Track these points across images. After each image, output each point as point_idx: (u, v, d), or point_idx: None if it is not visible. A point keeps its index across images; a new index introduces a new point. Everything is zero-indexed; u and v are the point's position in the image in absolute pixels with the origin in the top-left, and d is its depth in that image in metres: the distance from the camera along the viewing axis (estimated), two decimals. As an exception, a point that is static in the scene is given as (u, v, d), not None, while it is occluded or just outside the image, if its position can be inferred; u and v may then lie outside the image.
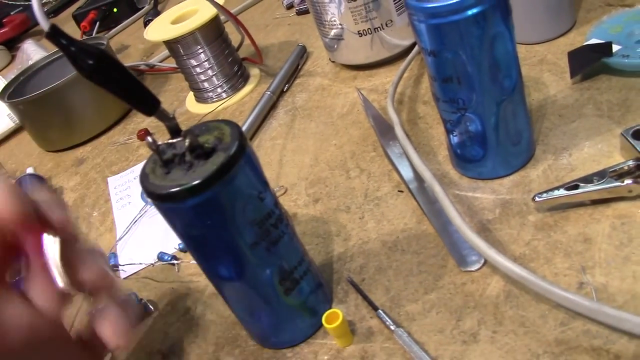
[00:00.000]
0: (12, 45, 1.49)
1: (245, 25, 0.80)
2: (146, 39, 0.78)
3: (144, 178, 0.37)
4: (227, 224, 0.37)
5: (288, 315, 0.44)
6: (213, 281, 0.43)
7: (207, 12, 0.75)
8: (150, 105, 0.35)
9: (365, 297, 0.45)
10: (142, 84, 0.34)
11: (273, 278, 0.41)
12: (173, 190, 0.35)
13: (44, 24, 0.30)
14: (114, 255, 0.62)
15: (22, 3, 1.68)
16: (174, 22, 0.79)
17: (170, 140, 0.36)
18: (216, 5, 0.74)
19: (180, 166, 0.36)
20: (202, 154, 0.36)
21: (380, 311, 0.43)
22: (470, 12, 0.41)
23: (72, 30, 1.30)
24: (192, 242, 0.39)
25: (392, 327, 0.42)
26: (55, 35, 0.32)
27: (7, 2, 1.72)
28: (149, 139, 0.36)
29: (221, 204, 0.36)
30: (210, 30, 0.77)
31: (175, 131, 0.36)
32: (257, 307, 0.43)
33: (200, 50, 0.77)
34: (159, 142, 0.36)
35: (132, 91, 0.34)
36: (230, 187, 0.36)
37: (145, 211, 0.66)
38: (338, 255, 0.50)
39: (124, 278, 0.59)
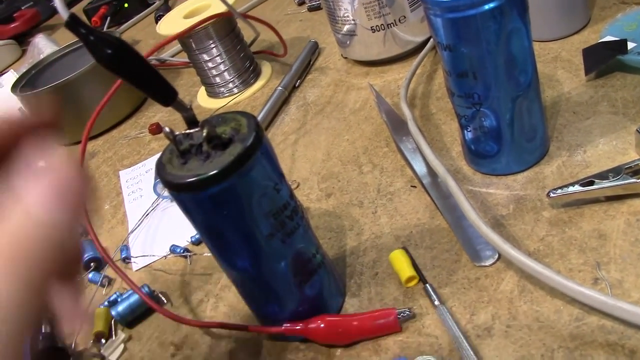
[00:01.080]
0: (22, 39, 1.49)
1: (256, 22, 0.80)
2: (158, 33, 0.79)
3: (160, 168, 0.37)
4: (244, 215, 0.37)
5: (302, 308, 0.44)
6: (228, 272, 0.43)
7: (220, 7, 0.75)
8: (168, 95, 0.35)
9: (416, 267, 0.45)
10: (160, 74, 0.35)
11: (288, 270, 0.41)
12: (190, 180, 0.35)
13: (63, 13, 0.30)
14: (126, 247, 0.62)
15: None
16: (187, 17, 0.79)
17: (188, 131, 0.36)
18: (231, 8, 0.74)
19: (198, 156, 0.36)
20: (219, 145, 0.36)
21: (427, 285, 0.43)
22: (487, 7, 0.41)
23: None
24: (208, 232, 0.39)
25: (437, 303, 0.42)
26: (74, 24, 0.32)
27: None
28: (167, 129, 0.36)
29: (238, 194, 0.36)
30: (223, 25, 0.77)
31: (192, 122, 0.36)
32: (271, 298, 0.43)
33: (213, 45, 0.77)
34: (177, 132, 0.37)
35: (150, 81, 0.34)
36: (247, 178, 0.36)
37: (157, 204, 0.66)
38: (351, 249, 0.50)
39: (136, 270, 0.59)
